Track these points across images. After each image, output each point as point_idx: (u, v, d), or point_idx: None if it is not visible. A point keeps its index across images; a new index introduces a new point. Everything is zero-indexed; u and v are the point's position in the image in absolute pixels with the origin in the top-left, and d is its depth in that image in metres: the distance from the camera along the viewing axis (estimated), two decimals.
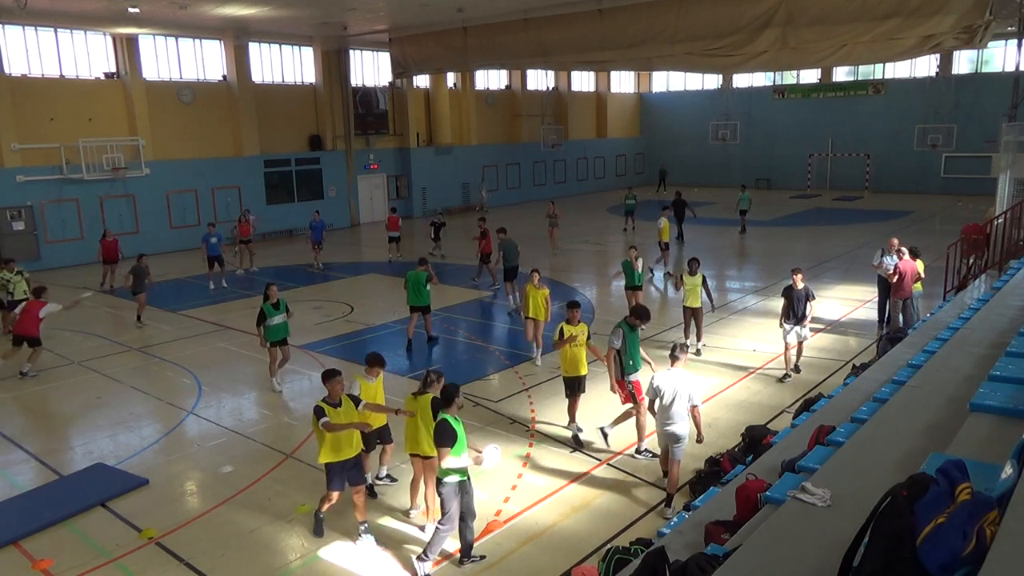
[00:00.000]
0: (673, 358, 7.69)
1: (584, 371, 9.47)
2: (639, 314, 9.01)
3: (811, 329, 13.36)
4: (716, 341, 13.48)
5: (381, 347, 14.19)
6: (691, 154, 44.11)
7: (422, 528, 7.41)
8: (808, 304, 11.28)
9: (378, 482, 8.31)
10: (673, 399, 7.54)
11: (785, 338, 11.53)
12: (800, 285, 11.26)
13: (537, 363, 12.27)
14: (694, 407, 7.69)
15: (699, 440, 8.07)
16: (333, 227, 29.16)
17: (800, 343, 11.54)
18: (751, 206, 26.20)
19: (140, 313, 15.89)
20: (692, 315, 12.62)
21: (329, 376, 7.15)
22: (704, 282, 12.38)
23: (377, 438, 8.11)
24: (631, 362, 8.81)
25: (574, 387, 9.44)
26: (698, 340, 12.67)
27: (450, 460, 6.40)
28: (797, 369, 11.53)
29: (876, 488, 2.60)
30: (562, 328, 9.42)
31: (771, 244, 24.68)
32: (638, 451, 8.87)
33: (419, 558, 6.63)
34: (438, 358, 13.37)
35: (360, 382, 7.81)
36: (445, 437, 6.40)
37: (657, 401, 7.66)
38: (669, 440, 7.65)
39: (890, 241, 13.40)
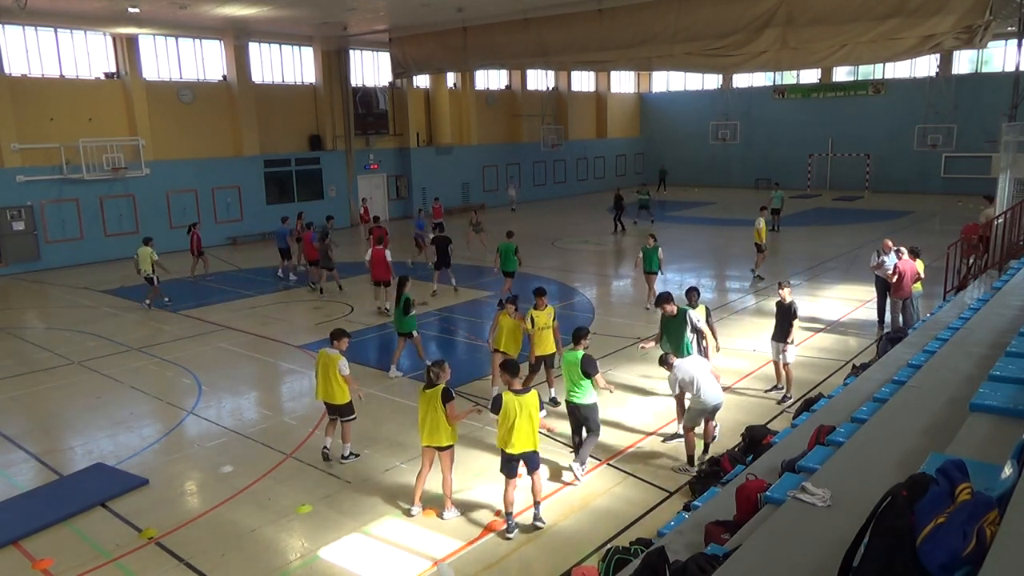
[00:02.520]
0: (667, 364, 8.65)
1: (552, 350, 10.31)
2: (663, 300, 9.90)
3: (810, 330, 13.37)
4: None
5: (381, 347, 14.22)
6: (691, 154, 44.11)
7: (441, 515, 7.59)
8: (791, 323, 10.31)
9: (343, 461, 8.90)
10: (699, 382, 8.33)
11: (771, 352, 10.85)
12: (788, 299, 10.41)
13: None
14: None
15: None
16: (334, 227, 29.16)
17: (785, 365, 10.54)
18: (784, 205, 26.18)
19: (325, 281, 18.24)
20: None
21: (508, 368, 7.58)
22: (708, 315, 10.48)
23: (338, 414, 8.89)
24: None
25: (541, 364, 10.37)
26: None
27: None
28: (787, 396, 10.50)
29: (876, 488, 2.60)
30: (532, 316, 10.18)
31: (771, 244, 24.65)
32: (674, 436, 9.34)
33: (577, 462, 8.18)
34: (438, 358, 13.34)
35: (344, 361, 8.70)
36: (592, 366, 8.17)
37: (692, 389, 8.40)
38: (714, 412, 8.60)
39: (884, 243, 13.39)
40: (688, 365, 8.52)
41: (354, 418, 8.93)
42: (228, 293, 18.88)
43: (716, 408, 8.56)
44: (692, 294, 10.44)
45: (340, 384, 8.68)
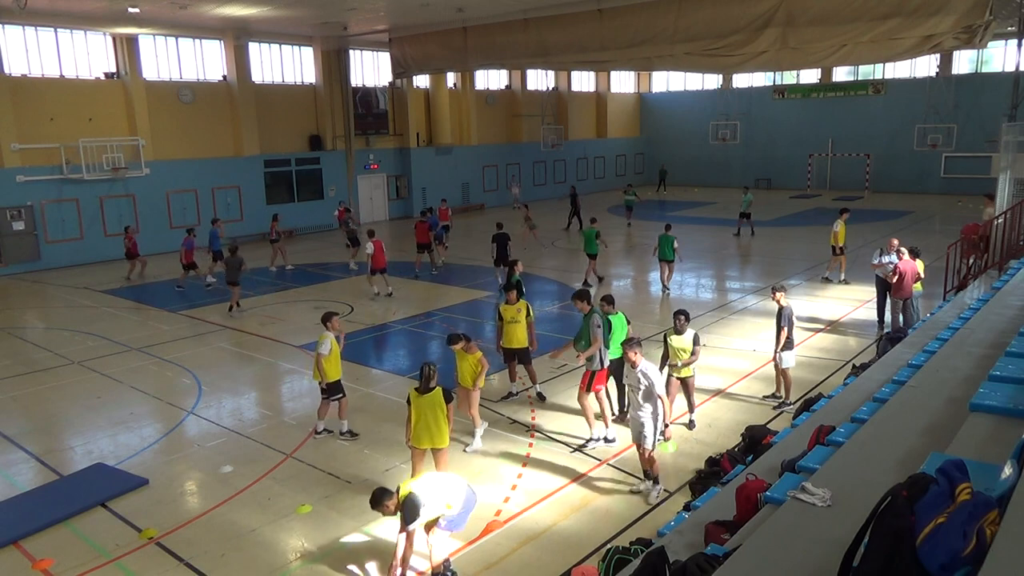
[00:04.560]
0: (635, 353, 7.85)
1: (520, 345, 10.53)
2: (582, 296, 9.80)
3: (810, 330, 13.35)
4: (716, 341, 13.47)
5: (381, 347, 14.23)
6: (691, 154, 44.11)
7: None
8: (781, 329, 10.06)
9: (340, 438, 9.54)
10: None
11: (784, 364, 10.34)
12: (784, 303, 10.17)
13: (473, 447, 9.17)
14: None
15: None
16: (333, 227, 29.16)
17: (784, 370, 10.27)
18: (751, 208, 25.61)
19: (234, 303, 16.48)
20: (682, 386, 9.56)
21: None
22: (696, 342, 9.35)
23: (340, 392, 9.57)
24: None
25: (513, 357, 10.70)
26: (691, 411, 9.74)
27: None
28: (784, 403, 10.27)
29: (876, 488, 2.60)
30: (500, 310, 10.69)
31: (771, 244, 24.67)
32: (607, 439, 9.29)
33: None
34: (436, 359, 13.36)
35: (331, 341, 9.36)
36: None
37: (652, 398, 7.79)
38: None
39: (889, 241, 13.41)
40: (655, 370, 7.89)
41: (324, 398, 9.57)
42: (228, 293, 18.85)
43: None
44: (679, 318, 9.37)
45: (320, 363, 9.36)
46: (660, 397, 7.68)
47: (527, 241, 23.97)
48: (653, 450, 7.80)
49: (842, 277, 17.98)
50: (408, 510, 5.99)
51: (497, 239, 18.11)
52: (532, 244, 23.84)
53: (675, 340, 9.35)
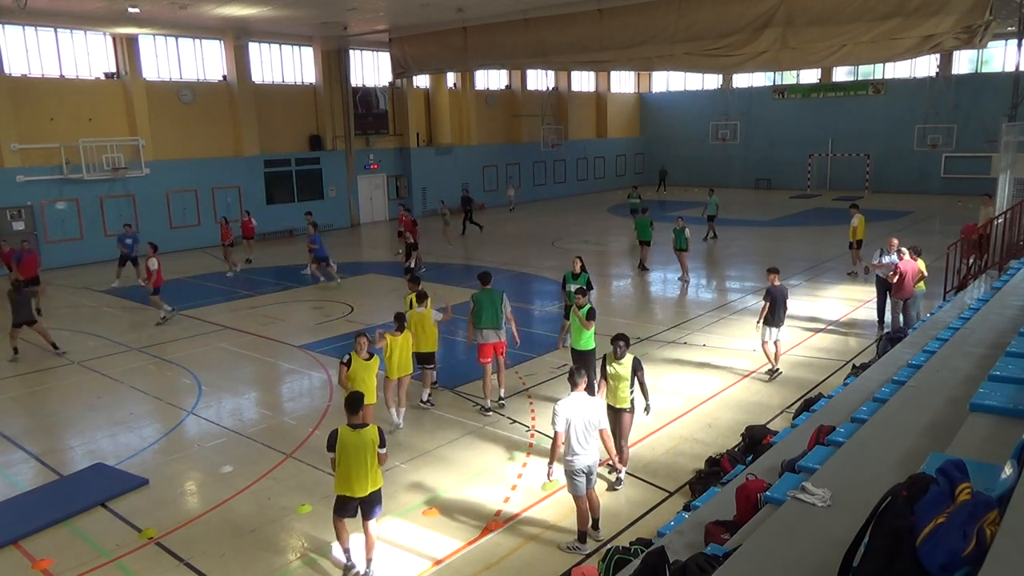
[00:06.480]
0: (572, 383, 6.94)
1: (432, 348, 10.64)
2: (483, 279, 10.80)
3: (810, 330, 13.44)
4: (716, 341, 13.49)
5: None
6: (691, 154, 44.11)
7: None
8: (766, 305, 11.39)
9: (421, 405, 10.47)
10: (574, 430, 6.79)
11: (764, 336, 11.55)
12: (776, 283, 11.38)
13: (400, 424, 9.93)
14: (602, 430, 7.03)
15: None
16: (332, 227, 29.20)
17: (776, 342, 11.49)
18: (719, 211, 25.20)
19: (12, 344, 13.47)
20: (617, 420, 8.03)
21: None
22: (636, 369, 7.98)
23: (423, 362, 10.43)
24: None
25: (426, 360, 10.75)
26: (620, 460, 8.11)
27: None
28: (773, 370, 11.54)
29: (876, 488, 2.60)
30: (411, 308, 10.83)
31: (771, 244, 24.67)
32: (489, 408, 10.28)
33: None
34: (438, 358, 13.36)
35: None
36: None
37: (562, 438, 6.84)
38: (588, 475, 6.97)
39: (889, 241, 13.41)
40: (569, 404, 6.82)
41: (434, 367, 10.71)
42: (228, 293, 18.87)
43: (588, 471, 6.90)
44: (619, 343, 7.99)
45: (430, 334, 10.29)
46: (556, 433, 6.80)
47: (449, 238, 25.30)
48: (576, 494, 6.94)
49: (853, 269, 18.73)
50: (329, 440, 6.58)
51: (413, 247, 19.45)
52: (444, 239, 25.18)
53: (614, 367, 8.00)
